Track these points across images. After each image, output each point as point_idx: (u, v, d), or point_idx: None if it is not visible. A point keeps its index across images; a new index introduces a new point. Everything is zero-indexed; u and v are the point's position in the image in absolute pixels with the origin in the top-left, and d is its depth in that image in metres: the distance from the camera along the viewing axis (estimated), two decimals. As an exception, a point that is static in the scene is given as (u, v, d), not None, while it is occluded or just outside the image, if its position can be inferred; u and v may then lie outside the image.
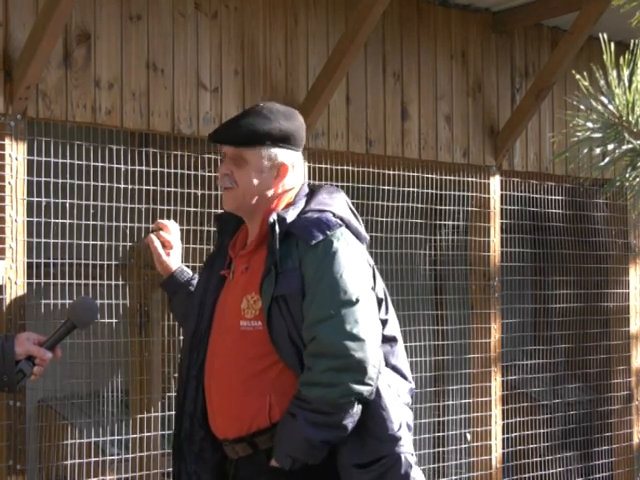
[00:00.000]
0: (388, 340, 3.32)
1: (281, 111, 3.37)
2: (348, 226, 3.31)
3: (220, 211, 4.34)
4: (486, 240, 5.56)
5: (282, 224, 3.24)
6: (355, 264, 3.22)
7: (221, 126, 3.45)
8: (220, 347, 3.32)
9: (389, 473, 3.18)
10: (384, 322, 3.32)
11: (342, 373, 3.11)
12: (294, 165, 3.38)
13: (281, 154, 3.34)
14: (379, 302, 3.31)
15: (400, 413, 3.24)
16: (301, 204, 3.34)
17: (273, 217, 3.25)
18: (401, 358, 3.39)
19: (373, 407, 3.18)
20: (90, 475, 4.11)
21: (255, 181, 3.33)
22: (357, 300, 3.15)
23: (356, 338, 3.11)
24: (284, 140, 3.33)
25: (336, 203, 3.35)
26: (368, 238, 3.43)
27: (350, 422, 3.13)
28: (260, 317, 3.23)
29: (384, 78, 5.12)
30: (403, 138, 5.19)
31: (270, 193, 3.35)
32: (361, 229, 3.39)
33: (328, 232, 3.21)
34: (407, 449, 3.22)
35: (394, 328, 3.39)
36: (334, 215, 3.28)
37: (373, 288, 3.30)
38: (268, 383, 3.21)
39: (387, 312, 3.37)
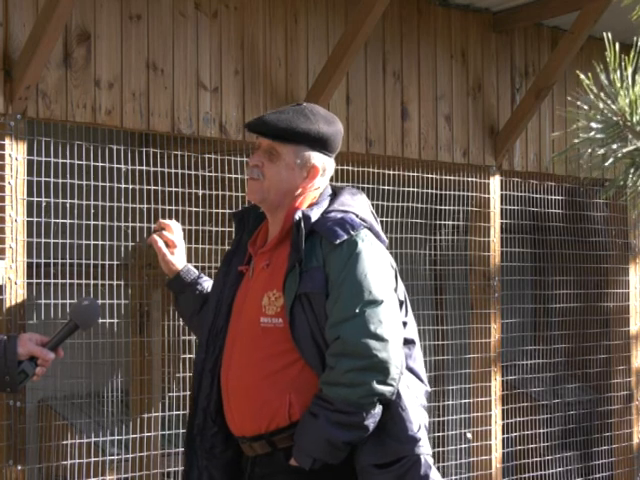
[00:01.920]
0: (407, 342, 3.31)
1: (322, 114, 3.37)
2: (370, 228, 3.32)
3: (221, 211, 4.34)
4: (486, 240, 5.56)
5: (307, 222, 3.25)
6: (379, 265, 3.23)
7: (261, 117, 3.42)
8: (238, 344, 3.31)
9: (409, 474, 3.19)
10: (404, 324, 3.32)
11: (365, 373, 3.11)
12: (325, 169, 3.38)
13: (314, 157, 3.34)
14: (400, 304, 3.32)
15: (419, 414, 3.25)
16: (325, 204, 3.34)
17: (298, 215, 3.25)
18: (418, 361, 3.39)
19: (393, 408, 3.18)
20: (90, 475, 4.11)
21: (283, 177, 3.32)
22: (382, 301, 3.16)
23: (380, 338, 3.12)
24: (320, 144, 3.34)
25: (358, 204, 3.36)
26: (387, 241, 3.44)
27: (372, 422, 3.14)
28: (281, 314, 3.23)
29: (384, 78, 5.12)
30: (403, 138, 5.19)
31: (297, 192, 3.35)
32: (381, 232, 3.40)
33: (352, 232, 3.22)
34: (426, 450, 3.23)
35: (412, 331, 3.40)
36: (357, 216, 3.30)
37: (395, 290, 3.31)
38: (288, 381, 3.21)
39: (407, 314, 3.38)
